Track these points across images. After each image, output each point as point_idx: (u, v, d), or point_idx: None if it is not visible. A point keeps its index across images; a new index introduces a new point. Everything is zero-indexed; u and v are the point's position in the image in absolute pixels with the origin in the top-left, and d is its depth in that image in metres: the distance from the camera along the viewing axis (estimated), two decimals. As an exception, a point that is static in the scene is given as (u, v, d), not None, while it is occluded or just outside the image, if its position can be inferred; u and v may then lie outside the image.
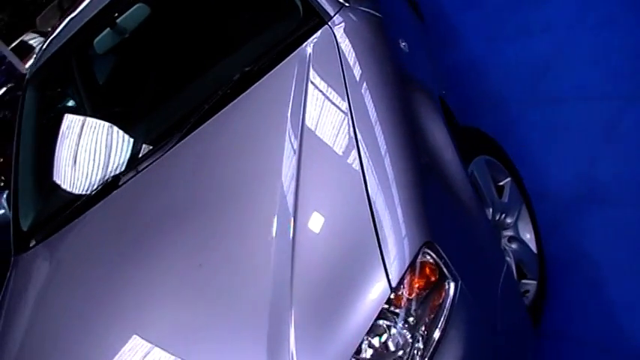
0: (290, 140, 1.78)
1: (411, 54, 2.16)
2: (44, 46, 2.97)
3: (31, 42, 12.90)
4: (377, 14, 2.17)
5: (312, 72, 1.94)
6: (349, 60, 1.91)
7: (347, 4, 2.17)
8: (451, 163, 1.74)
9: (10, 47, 12.61)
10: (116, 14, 2.81)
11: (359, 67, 1.87)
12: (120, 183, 2.18)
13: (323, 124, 1.78)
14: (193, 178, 1.96)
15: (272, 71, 2.04)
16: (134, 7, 2.84)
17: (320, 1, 2.15)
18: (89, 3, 2.83)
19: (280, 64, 2.05)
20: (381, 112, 1.71)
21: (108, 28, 2.89)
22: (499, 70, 3.40)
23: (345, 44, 1.97)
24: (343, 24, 2.06)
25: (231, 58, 2.31)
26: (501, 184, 2.22)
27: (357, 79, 1.84)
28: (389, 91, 1.81)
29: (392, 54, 2.00)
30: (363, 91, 1.79)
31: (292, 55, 2.04)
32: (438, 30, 4.12)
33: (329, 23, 2.08)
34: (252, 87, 2.04)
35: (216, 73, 2.31)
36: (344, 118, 1.73)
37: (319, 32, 2.07)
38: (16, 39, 13.43)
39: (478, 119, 2.78)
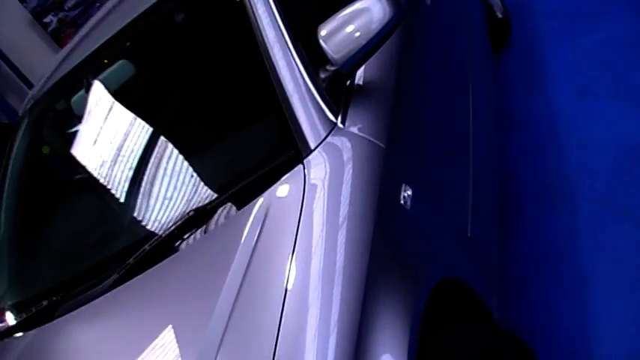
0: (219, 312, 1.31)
1: (416, 213, 1.58)
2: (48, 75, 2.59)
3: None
4: (379, 144, 1.60)
5: (264, 232, 1.43)
6: (313, 225, 1.38)
7: (341, 125, 1.61)
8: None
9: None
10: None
11: (321, 239, 1.34)
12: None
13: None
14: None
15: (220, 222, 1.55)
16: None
17: (303, 120, 1.61)
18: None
19: (231, 212, 1.56)
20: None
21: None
22: (578, 144, 2.69)
23: (314, 198, 1.44)
24: (323, 163, 1.52)
25: (185, 191, 1.81)
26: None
27: (313, 253, 1.32)
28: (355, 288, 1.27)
29: (381, 215, 1.44)
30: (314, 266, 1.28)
31: (249, 204, 1.54)
32: (523, 60, 3.39)
33: (304, 161, 1.54)
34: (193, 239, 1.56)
35: (162, 207, 1.82)
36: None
37: (290, 173, 1.54)
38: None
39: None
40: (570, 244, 2.35)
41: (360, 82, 1.79)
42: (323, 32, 1.65)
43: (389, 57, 1.89)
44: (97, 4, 8.27)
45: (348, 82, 1.77)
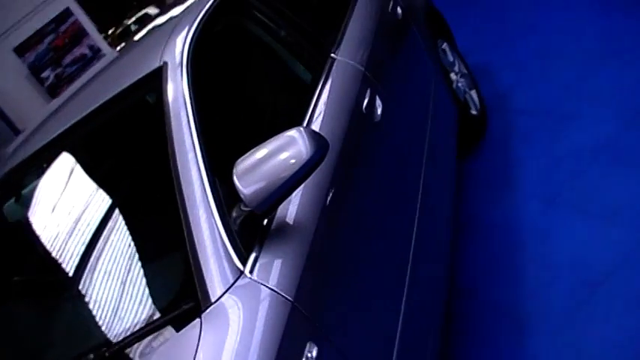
0: None
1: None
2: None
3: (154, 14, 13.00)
4: (287, 297, 1.50)
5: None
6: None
7: (248, 274, 1.50)
8: None
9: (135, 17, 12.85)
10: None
11: None
12: None
13: None
14: None
15: None
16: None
17: (206, 266, 1.51)
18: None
19: None
20: None
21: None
22: (537, 264, 2.58)
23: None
24: (223, 317, 1.43)
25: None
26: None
27: None
28: None
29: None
30: None
31: None
32: (493, 161, 3.31)
33: (202, 316, 1.45)
34: None
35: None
36: None
37: (185, 330, 1.45)
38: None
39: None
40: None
41: (279, 222, 1.66)
42: (238, 169, 1.55)
43: (317, 191, 1.81)
44: (95, 62, 8.34)
45: (266, 221, 1.66)
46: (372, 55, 2.65)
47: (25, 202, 2.27)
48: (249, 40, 2.53)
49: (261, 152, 1.56)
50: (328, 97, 2.27)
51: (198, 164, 1.69)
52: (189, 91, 1.93)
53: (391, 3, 3.23)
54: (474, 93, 3.83)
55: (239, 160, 1.56)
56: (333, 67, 2.50)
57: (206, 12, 2.34)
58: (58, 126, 2.25)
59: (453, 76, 3.64)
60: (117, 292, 1.71)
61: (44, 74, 8.12)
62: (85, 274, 1.81)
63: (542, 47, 4.13)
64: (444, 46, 3.72)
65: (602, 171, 2.87)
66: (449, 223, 2.67)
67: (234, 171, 1.54)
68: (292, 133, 1.56)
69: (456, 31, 4.04)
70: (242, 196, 1.52)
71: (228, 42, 2.44)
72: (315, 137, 1.58)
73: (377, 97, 2.45)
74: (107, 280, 1.75)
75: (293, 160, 1.52)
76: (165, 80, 1.98)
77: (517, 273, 2.67)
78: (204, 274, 1.47)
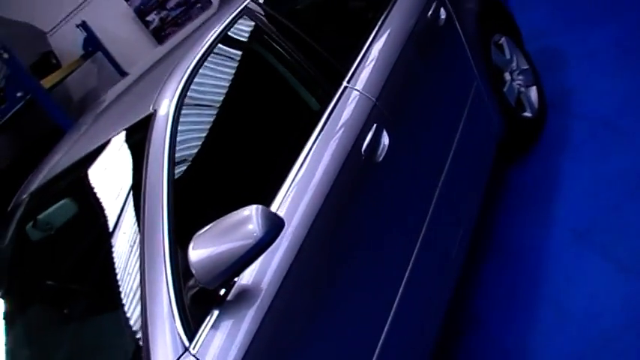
0: None
1: None
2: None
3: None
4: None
5: None
6: None
7: (193, 350, 1.52)
8: None
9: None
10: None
11: None
12: None
13: None
14: None
15: None
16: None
17: (152, 338, 1.54)
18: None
19: None
20: None
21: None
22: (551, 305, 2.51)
23: None
24: None
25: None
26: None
27: None
28: None
29: None
30: None
31: None
32: (536, 176, 3.14)
33: None
34: None
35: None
36: None
37: None
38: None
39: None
40: None
41: (235, 294, 1.66)
42: (194, 243, 1.57)
43: (285, 256, 1.79)
44: (199, 5, 8.51)
45: (223, 291, 1.66)
46: (389, 82, 2.56)
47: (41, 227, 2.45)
48: (250, 82, 2.49)
49: (216, 228, 1.57)
50: (324, 135, 2.22)
51: (163, 229, 1.72)
52: (169, 146, 1.96)
53: (434, 5, 3.05)
54: (533, 90, 3.60)
55: (197, 233, 1.59)
56: (341, 99, 2.44)
57: (208, 48, 2.34)
58: (64, 161, 2.39)
59: (507, 76, 3.43)
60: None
61: (149, 17, 8.39)
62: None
63: (621, 39, 3.77)
64: (502, 40, 3.49)
65: (638, 209, 2.66)
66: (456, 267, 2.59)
67: (191, 245, 1.57)
68: (247, 212, 1.56)
69: (525, 13, 3.75)
70: (193, 271, 1.55)
71: (230, 80, 2.44)
72: (270, 217, 1.58)
73: (384, 133, 2.38)
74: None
75: (245, 240, 1.54)
76: (150, 130, 2.02)
77: (531, 312, 2.60)
78: (151, 347, 1.52)
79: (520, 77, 3.54)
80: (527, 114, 3.46)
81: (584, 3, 4.52)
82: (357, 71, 2.56)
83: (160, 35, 8.49)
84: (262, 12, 2.60)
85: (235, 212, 1.58)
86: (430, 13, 3.01)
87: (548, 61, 4.00)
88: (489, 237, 3.06)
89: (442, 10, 3.09)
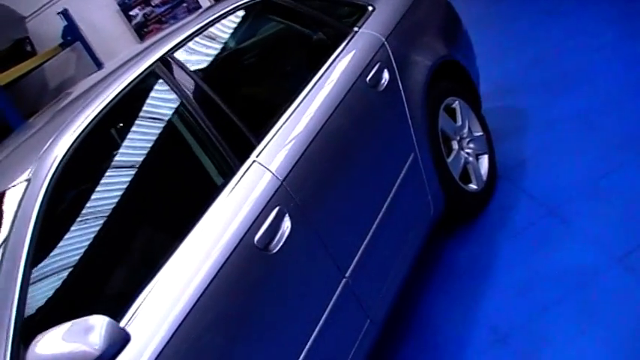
0: None
1: None
2: None
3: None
4: None
5: None
6: None
7: None
8: None
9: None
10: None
11: None
12: None
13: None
14: None
15: None
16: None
17: None
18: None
19: None
20: None
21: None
22: None
23: None
24: None
25: None
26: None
27: None
28: None
29: None
30: None
31: None
32: (466, 262, 2.98)
33: None
34: None
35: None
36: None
37: None
38: None
39: None
40: None
41: None
42: (34, 344, 1.49)
43: None
44: (184, 4, 8.28)
45: None
46: (304, 158, 2.35)
47: None
48: (145, 150, 2.28)
49: (57, 332, 1.50)
50: (216, 221, 2.04)
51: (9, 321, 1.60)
52: (34, 223, 1.78)
53: (376, 67, 2.83)
54: (484, 160, 3.39)
55: (41, 334, 1.51)
56: (245, 176, 2.24)
57: (106, 106, 2.13)
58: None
59: (454, 144, 3.21)
60: None
61: (133, 12, 8.18)
62: None
63: (588, 111, 3.56)
64: (455, 104, 3.27)
65: (561, 317, 2.46)
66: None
67: (32, 345, 1.50)
68: (93, 321, 1.51)
69: (493, 66, 3.54)
70: None
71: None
72: (115, 332, 1.53)
73: (285, 218, 2.17)
74: None
75: (87, 350, 1.47)
76: (22, 199, 1.84)
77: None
78: None
79: (471, 145, 3.33)
80: (473, 186, 3.25)
81: (560, 61, 4.30)
82: (270, 144, 2.34)
83: (142, 32, 8.28)
84: (172, 71, 2.37)
85: (83, 319, 1.51)
86: (370, 76, 2.78)
87: (506, 125, 3.80)
88: (409, 319, 2.86)
89: (385, 72, 2.86)
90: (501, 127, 3.80)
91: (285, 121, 2.43)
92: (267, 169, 2.25)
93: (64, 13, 7.85)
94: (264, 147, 2.32)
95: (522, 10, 5.51)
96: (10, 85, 6.87)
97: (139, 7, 8.16)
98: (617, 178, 2.95)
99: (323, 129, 2.46)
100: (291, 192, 2.25)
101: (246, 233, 2.04)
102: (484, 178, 3.31)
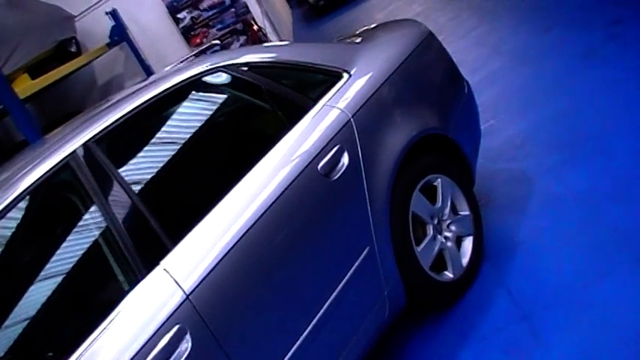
0: None
1: None
2: None
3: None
4: None
5: None
6: None
7: None
8: None
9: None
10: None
11: None
12: None
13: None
14: None
15: None
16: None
17: None
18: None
19: None
20: None
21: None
22: None
23: None
24: None
25: None
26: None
27: None
28: None
29: None
30: None
31: None
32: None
33: None
34: None
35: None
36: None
37: None
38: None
39: None
40: None
41: None
42: None
43: None
44: (232, 9, 8.16)
45: None
46: (220, 266, 2.17)
47: None
48: (50, 252, 2.15)
49: None
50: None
51: None
52: None
53: (333, 150, 2.58)
54: (468, 242, 3.09)
55: None
56: (150, 286, 2.08)
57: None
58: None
59: (429, 229, 2.93)
60: None
61: (180, 15, 8.13)
62: None
63: (601, 189, 3.18)
64: (437, 182, 2.98)
65: None
66: None
67: None
68: None
69: (507, 124, 3.20)
70: None
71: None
72: None
73: (187, 337, 2.01)
74: None
75: None
76: None
77: None
78: None
79: (452, 228, 3.03)
80: (448, 274, 2.96)
81: (585, 119, 3.88)
82: (184, 250, 2.16)
83: (189, 35, 8.22)
84: (89, 164, 2.22)
85: None
86: (323, 162, 2.53)
87: (505, 194, 3.46)
88: None
89: (345, 156, 2.61)
90: (500, 196, 3.48)
91: (206, 222, 2.24)
92: (174, 279, 2.07)
93: (113, 13, 7.88)
94: (176, 253, 2.13)
95: (571, 42, 4.98)
96: (55, 85, 6.97)
97: (187, 10, 8.10)
98: (603, 289, 2.61)
99: (249, 232, 2.26)
100: (200, 308, 2.07)
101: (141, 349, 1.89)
102: (464, 264, 3.01)
